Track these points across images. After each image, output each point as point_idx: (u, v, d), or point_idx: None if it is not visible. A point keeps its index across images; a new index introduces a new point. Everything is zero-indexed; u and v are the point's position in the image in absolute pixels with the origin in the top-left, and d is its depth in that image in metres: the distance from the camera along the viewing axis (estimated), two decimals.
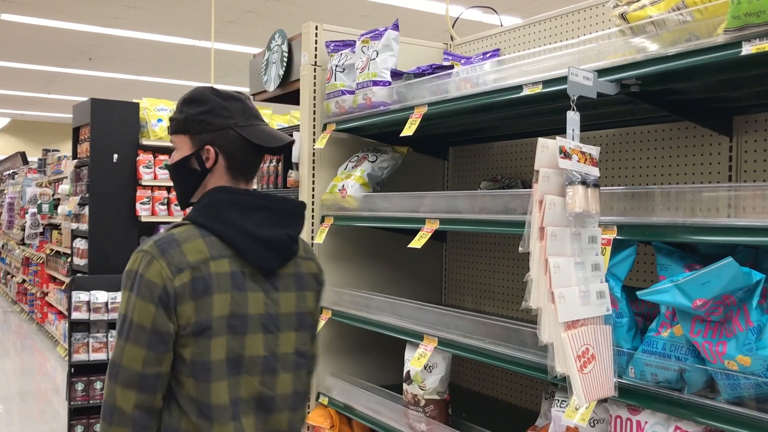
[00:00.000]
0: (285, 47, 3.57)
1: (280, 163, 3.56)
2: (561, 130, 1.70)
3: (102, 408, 1.60)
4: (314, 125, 3.12)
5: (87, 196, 5.76)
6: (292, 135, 3.37)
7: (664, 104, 2.07)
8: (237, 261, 1.64)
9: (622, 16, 1.80)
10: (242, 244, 1.63)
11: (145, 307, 1.55)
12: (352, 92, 2.88)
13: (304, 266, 1.80)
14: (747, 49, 1.49)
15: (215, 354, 1.59)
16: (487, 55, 2.92)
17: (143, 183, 5.69)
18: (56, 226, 8.70)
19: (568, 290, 1.59)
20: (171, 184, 5.85)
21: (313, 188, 3.12)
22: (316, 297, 1.84)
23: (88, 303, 4.95)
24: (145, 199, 5.58)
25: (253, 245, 1.64)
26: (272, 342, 1.68)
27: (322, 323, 3.01)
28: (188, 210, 1.75)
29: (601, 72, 1.82)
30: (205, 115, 1.70)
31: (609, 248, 1.78)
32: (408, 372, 2.58)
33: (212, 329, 1.58)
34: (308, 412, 2.15)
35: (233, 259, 1.63)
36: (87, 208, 5.85)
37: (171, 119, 1.77)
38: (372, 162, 2.96)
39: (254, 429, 1.65)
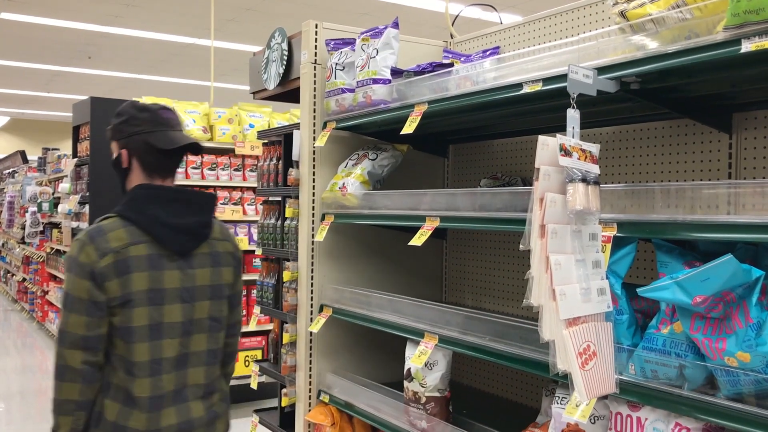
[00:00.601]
0: (285, 45, 3.57)
1: (280, 162, 3.56)
2: (561, 128, 1.71)
3: (54, 370, 1.95)
4: (314, 123, 3.12)
5: (87, 194, 5.77)
6: (292, 133, 3.38)
7: (663, 102, 2.08)
8: (154, 245, 1.99)
9: (622, 14, 1.81)
10: (157, 231, 1.99)
11: (81, 283, 1.93)
12: (352, 90, 2.88)
13: (219, 246, 2.14)
14: (746, 46, 1.50)
15: (137, 321, 1.95)
16: (487, 52, 2.92)
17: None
18: (56, 225, 8.71)
19: (569, 287, 1.60)
20: None
21: (314, 186, 3.13)
22: (234, 271, 2.18)
23: None
24: None
25: (166, 232, 2.00)
26: (189, 310, 2.04)
27: (322, 321, 3.02)
28: None
29: (601, 70, 1.82)
30: (122, 125, 2.08)
31: (609, 245, 1.79)
32: (409, 369, 2.59)
33: (133, 301, 1.95)
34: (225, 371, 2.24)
35: (150, 244, 1.99)
36: (87, 206, 5.86)
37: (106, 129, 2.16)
38: (372, 160, 2.97)
39: (174, 383, 2.00)
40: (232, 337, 2.24)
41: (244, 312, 5.92)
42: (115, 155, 2.11)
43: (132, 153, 2.07)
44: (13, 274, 12.64)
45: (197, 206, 2.08)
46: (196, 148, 2.13)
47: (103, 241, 1.94)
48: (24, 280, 11.25)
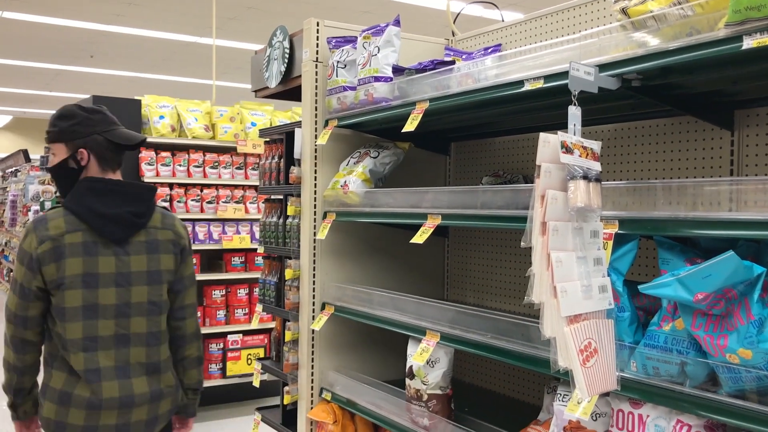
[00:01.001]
0: (286, 43, 3.57)
1: (282, 160, 3.56)
2: (563, 126, 1.71)
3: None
4: (316, 121, 3.12)
5: None
6: (293, 131, 3.38)
7: (665, 99, 2.08)
8: (90, 233, 2.20)
9: (623, 11, 1.81)
10: (91, 221, 2.20)
11: (20, 268, 2.21)
12: (353, 88, 2.88)
13: (159, 234, 2.32)
14: (748, 43, 1.49)
15: (69, 302, 2.18)
16: (489, 50, 2.92)
17: (145, 180, 5.70)
18: None
19: (571, 285, 1.60)
20: (173, 180, 5.81)
21: (316, 184, 3.13)
22: (175, 258, 2.35)
23: None
24: None
25: (100, 221, 2.20)
26: (124, 293, 2.24)
27: (324, 319, 3.02)
28: None
29: (603, 67, 1.82)
30: (76, 126, 2.26)
31: (611, 243, 1.79)
32: (410, 367, 2.59)
33: (65, 284, 2.17)
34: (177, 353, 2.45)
35: (86, 232, 2.20)
36: None
37: (47, 131, 2.31)
38: (374, 158, 2.97)
39: (115, 360, 2.23)
40: (182, 320, 2.41)
41: (246, 310, 5.94)
42: (65, 156, 2.27)
43: (91, 151, 2.27)
44: None
45: (132, 197, 2.27)
46: (145, 143, 2.42)
47: (44, 229, 2.18)
48: None
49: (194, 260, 2.48)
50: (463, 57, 2.93)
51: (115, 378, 2.21)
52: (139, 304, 2.27)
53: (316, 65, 3.13)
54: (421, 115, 2.49)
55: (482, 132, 3.19)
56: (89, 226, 2.20)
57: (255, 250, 5.84)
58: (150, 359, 2.29)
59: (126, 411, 2.21)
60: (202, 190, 5.87)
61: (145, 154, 5.59)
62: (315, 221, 3.12)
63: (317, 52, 3.13)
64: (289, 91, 3.67)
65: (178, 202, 5.73)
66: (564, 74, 1.87)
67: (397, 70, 2.70)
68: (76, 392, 2.17)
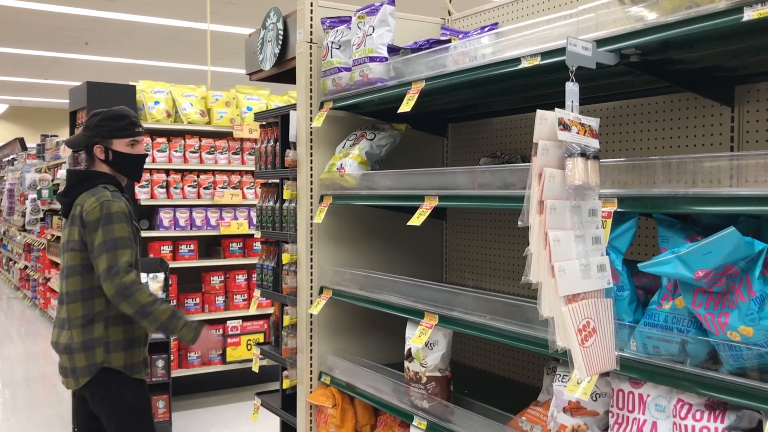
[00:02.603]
0: (280, 25, 3.53)
1: (278, 144, 3.53)
2: (561, 105, 1.68)
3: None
4: (311, 103, 3.09)
5: None
6: (289, 114, 3.34)
7: (664, 75, 2.04)
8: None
9: None
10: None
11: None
12: (348, 69, 2.84)
13: (76, 210, 2.77)
14: (749, 14, 1.46)
15: None
16: (485, 29, 2.88)
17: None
18: (57, 212, 8.69)
19: (569, 264, 1.58)
20: (169, 167, 5.77)
21: (312, 167, 3.10)
22: (78, 231, 2.76)
23: None
24: (144, 183, 5.56)
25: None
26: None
27: (322, 303, 3.01)
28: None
29: (600, 42, 1.79)
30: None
31: (609, 221, 1.77)
32: (409, 349, 2.58)
33: None
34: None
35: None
36: None
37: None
38: (370, 140, 2.94)
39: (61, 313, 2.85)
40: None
41: (245, 296, 5.93)
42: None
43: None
44: (15, 262, 12.65)
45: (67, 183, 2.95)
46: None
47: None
48: (26, 267, 11.26)
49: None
50: (460, 36, 2.88)
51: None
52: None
53: (311, 46, 3.09)
54: (417, 95, 2.46)
55: (479, 113, 3.16)
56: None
57: (253, 235, 5.81)
58: (68, 316, 2.80)
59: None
60: (198, 176, 5.84)
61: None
62: (311, 205, 3.09)
63: (311, 33, 3.09)
64: (284, 73, 3.64)
65: (175, 188, 5.70)
66: (561, 50, 1.84)
67: (393, 50, 2.66)
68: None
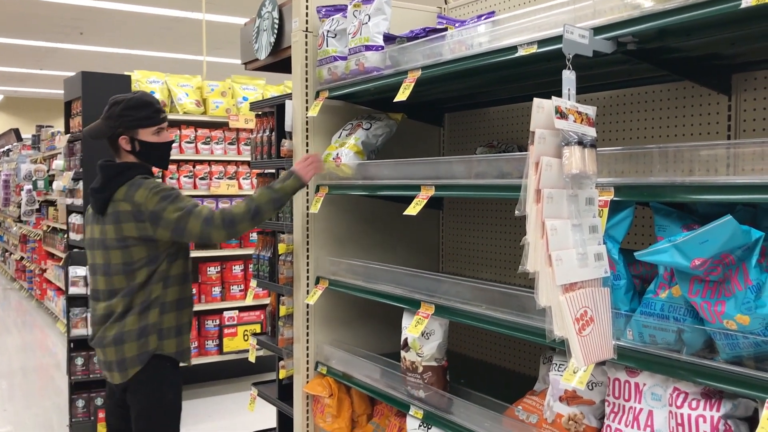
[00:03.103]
0: (276, 14, 3.51)
1: (273, 133, 3.51)
2: (558, 93, 1.67)
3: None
4: (307, 93, 3.07)
5: (81, 170, 5.71)
6: (284, 103, 3.32)
7: (661, 63, 2.03)
8: None
9: None
10: None
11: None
12: (344, 58, 2.82)
13: (120, 207, 2.69)
14: (747, 1, 1.45)
15: None
16: (482, 18, 2.85)
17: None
18: (52, 203, 8.66)
19: (566, 253, 1.57)
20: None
21: None
22: (122, 228, 2.69)
23: (85, 278, 4.93)
24: None
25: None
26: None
27: (318, 293, 3.00)
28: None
29: (597, 30, 1.78)
30: None
31: (606, 210, 1.76)
32: (405, 339, 2.58)
33: None
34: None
35: None
36: (81, 182, 5.80)
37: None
38: (366, 129, 2.92)
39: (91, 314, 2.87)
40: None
41: (242, 286, 5.92)
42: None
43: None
44: (11, 253, 12.62)
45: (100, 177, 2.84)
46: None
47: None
48: (22, 258, 11.23)
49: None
50: (456, 25, 2.86)
51: None
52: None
53: (306, 35, 3.07)
54: (413, 84, 2.45)
55: (476, 102, 3.15)
56: None
57: None
58: (106, 312, 2.79)
59: None
60: (194, 167, 5.82)
61: None
62: (307, 195, 3.08)
63: (307, 21, 3.07)
64: (280, 62, 3.61)
65: (171, 178, 5.68)
66: (558, 38, 1.82)
67: (389, 39, 2.65)
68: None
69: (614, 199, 1.77)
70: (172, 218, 2.64)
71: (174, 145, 5.67)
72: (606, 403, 1.95)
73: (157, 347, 2.73)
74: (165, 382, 2.79)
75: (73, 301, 4.92)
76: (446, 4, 3.32)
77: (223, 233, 2.67)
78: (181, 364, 2.85)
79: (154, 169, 2.96)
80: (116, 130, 2.75)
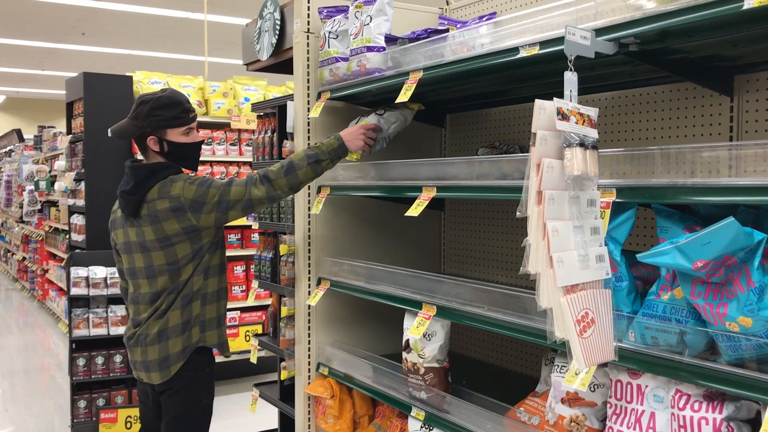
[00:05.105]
0: (277, 15, 3.51)
1: (275, 134, 3.51)
2: (560, 95, 1.67)
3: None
4: (308, 94, 3.07)
5: (82, 171, 5.72)
6: (286, 104, 3.32)
7: (663, 64, 2.03)
8: None
9: None
10: None
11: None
12: (346, 59, 2.82)
13: (156, 206, 2.60)
14: (749, 2, 1.45)
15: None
16: (484, 18, 2.85)
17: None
18: (54, 203, 8.67)
19: (567, 254, 1.57)
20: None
21: None
22: (159, 227, 2.61)
23: (86, 279, 4.93)
24: None
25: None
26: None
27: (320, 294, 3.00)
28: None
29: (599, 31, 1.77)
30: None
31: (608, 211, 1.76)
32: (407, 340, 2.58)
33: None
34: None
35: None
36: (83, 183, 5.82)
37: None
38: (379, 115, 2.80)
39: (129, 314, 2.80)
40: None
41: (244, 287, 5.92)
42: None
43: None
44: (13, 253, 12.64)
45: (129, 179, 2.73)
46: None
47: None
48: (24, 259, 11.25)
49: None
50: (458, 26, 2.86)
51: None
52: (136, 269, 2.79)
53: (308, 36, 3.07)
54: (414, 86, 2.44)
55: (478, 103, 3.15)
56: None
57: (251, 226, 5.80)
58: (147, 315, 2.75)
59: None
60: None
61: None
62: (309, 196, 3.08)
63: (308, 22, 3.07)
64: (282, 63, 3.61)
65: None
66: (560, 40, 1.82)
67: (390, 40, 2.64)
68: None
69: (616, 200, 1.76)
70: (214, 200, 2.58)
71: (206, 147, 5.64)
72: (608, 405, 1.94)
73: (199, 339, 2.67)
74: (203, 386, 2.72)
75: (74, 302, 4.92)
76: (448, 5, 3.32)
77: (263, 189, 2.58)
78: (219, 359, 2.79)
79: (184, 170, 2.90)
80: (144, 130, 2.66)
